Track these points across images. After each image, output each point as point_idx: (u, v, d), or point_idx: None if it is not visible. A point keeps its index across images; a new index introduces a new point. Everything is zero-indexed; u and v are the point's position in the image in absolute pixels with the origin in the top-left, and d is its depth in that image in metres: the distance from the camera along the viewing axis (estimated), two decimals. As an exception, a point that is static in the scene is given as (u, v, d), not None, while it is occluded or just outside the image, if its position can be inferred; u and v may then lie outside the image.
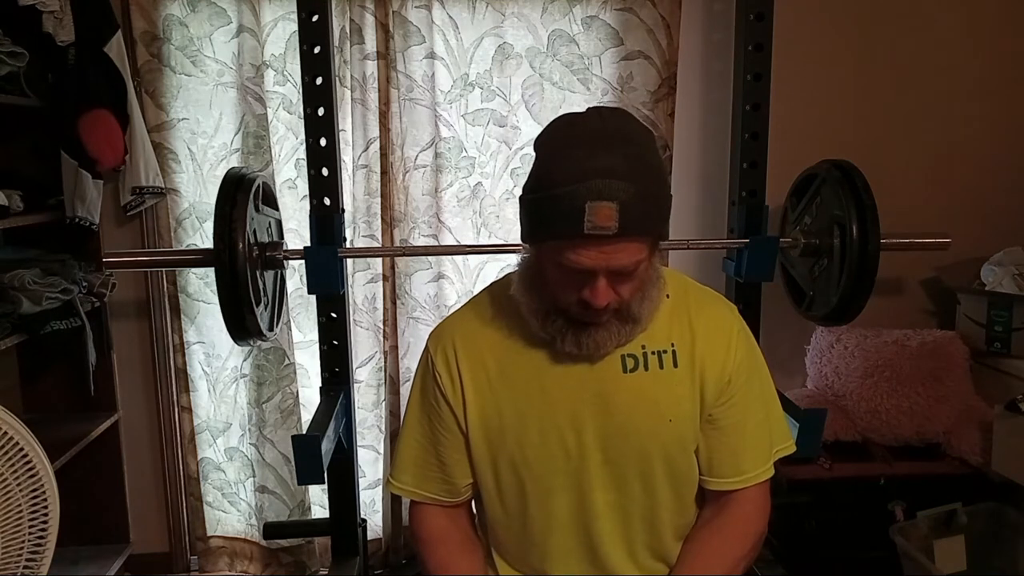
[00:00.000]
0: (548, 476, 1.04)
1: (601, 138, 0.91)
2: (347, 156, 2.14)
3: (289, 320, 2.22)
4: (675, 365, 1.04)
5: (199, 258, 1.78)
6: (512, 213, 2.21)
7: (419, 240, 2.23)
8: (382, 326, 2.27)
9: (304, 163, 1.80)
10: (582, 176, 0.88)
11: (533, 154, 0.99)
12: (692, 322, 1.07)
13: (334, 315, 1.83)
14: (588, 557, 1.08)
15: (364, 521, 2.01)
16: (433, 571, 1.11)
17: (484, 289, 1.16)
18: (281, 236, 1.94)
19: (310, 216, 1.78)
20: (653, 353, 1.04)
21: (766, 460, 1.10)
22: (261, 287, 1.75)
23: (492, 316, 1.09)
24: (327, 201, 1.78)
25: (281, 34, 2.13)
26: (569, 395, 1.03)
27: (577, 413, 1.03)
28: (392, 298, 2.26)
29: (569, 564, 1.08)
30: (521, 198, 0.99)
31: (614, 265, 0.91)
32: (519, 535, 1.09)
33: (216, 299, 1.64)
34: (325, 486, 1.94)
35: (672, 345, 1.05)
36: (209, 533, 2.37)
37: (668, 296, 1.07)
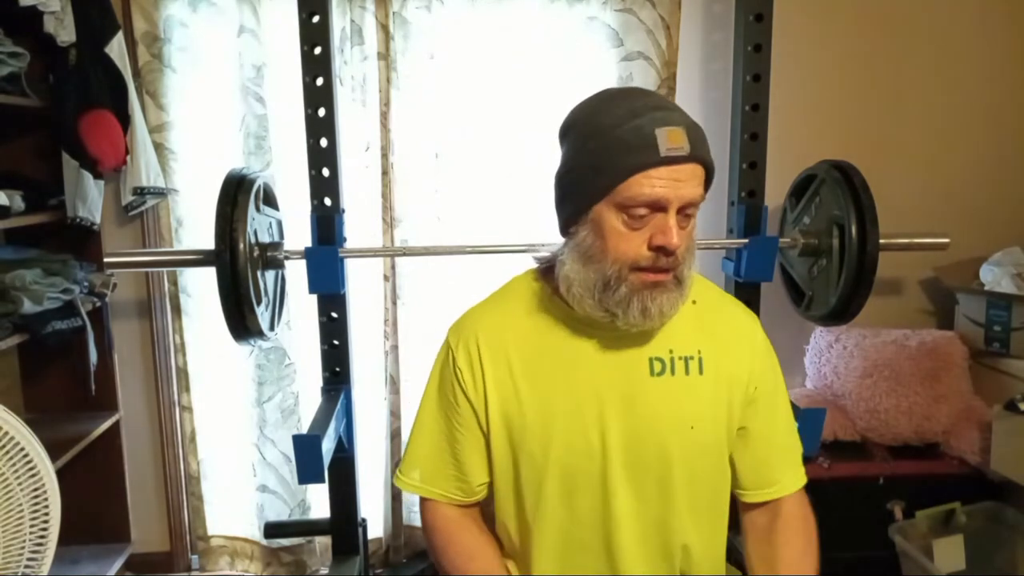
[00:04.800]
0: (571, 475, 1.03)
1: (635, 89, 1.00)
2: (347, 156, 2.15)
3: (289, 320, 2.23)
4: (700, 372, 1.03)
5: (200, 258, 1.78)
6: (511, 213, 2.21)
7: (419, 240, 2.24)
8: (383, 326, 2.28)
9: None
10: (641, 112, 0.92)
11: (561, 143, 1.02)
12: (717, 330, 1.06)
13: (335, 315, 1.83)
14: (605, 558, 1.06)
15: (364, 520, 2.01)
16: (455, 557, 1.08)
17: (506, 284, 1.14)
18: (282, 236, 1.94)
19: (311, 216, 1.79)
20: (680, 358, 1.03)
21: (798, 467, 1.10)
22: (262, 287, 1.75)
23: (516, 311, 1.07)
24: (328, 201, 1.79)
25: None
26: (595, 394, 1.01)
27: (602, 413, 1.01)
28: (393, 298, 2.27)
29: (587, 563, 1.06)
30: (562, 176, 1.00)
31: (685, 195, 0.91)
32: (534, 535, 1.06)
33: (217, 299, 1.64)
34: (326, 485, 1.94)
35: (699, 352, 1.04)
36: (210, 532, 2.37)
37: (695, 302, 1.05)
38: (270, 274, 1.84)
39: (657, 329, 1.00)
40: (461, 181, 2.23)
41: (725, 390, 1.04)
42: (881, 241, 1.74)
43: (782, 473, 1.08)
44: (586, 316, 0.99)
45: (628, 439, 1.01)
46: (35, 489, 1.19)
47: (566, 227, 1.01)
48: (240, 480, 2.36)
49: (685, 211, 0.93)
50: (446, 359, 1.09)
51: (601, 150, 0.93)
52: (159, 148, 2.14)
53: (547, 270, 1.06)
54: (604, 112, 0.95)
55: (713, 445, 1.04)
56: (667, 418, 1.01)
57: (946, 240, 1.94)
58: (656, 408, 1.01)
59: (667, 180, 0.90)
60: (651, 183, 0.90)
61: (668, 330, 1.02)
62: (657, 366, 1.02)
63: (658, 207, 0.92)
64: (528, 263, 1.13)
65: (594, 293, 0.96)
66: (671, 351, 1.03)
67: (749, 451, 1.07)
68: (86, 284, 2.10)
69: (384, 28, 2.12)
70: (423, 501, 1.14)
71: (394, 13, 2.12)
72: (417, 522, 2.39)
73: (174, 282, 2.24)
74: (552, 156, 1.06)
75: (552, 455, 1.02)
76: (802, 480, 1.09)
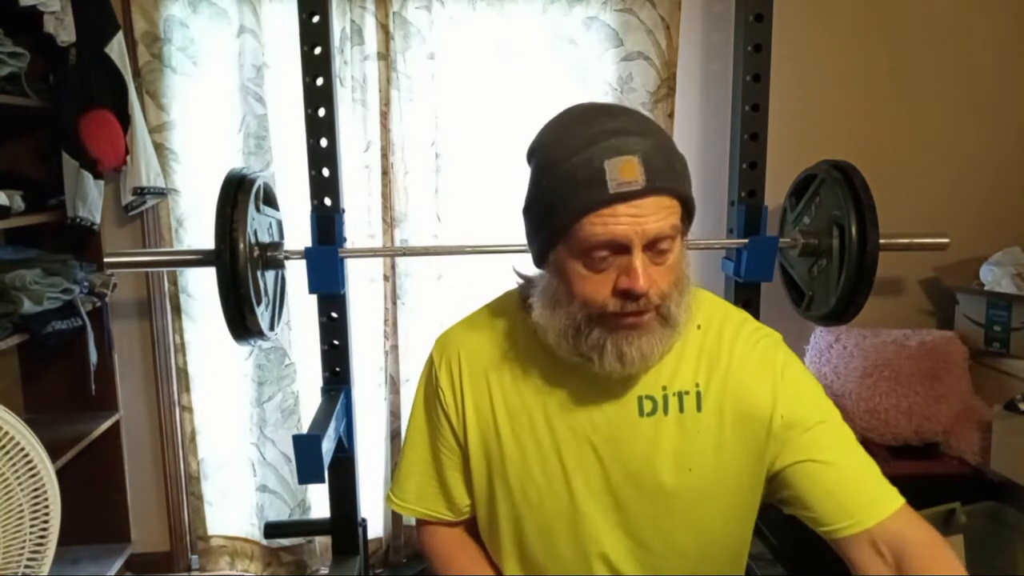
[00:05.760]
0: (552, 517, 0.95)
1: (601, 109, 0.86)
2: (348, 156, 2.15)
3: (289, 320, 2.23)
4: (699, 409, 0.92)
5: (200, 258, 1.78)
6: (511, 213, 2.20)
7: (419, 240, 2.24)
8: (383, 326, 2.28)
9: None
10: (593, 140, 0.81)
11: (528, 165, 0.92)
12: (726, 359, 0.94)
13: (335, 315, 1.83)
14: None
15: (364, 520, 2.02)
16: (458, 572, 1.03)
17: (497, 300, 1.06)
18: (282, 236, 1.95)
19: (311, 216, 1.79)
20: (675, 395, 0.93)
21: (886, 488, 0.90)
22: (262, 287, 1.75)
23: (500, 340, 1.00)
24: (328, 201, 1.79)
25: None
26: (578, 438, 0.93)
27: (585, 457, 0.93)
28: (393, 298, 2.27)
29: None
30: (525, 210, 0.91)
31: (649, 231, 0.80)
32: (512, 569, 1.01)
33: (217, 299, 1.64)
34: (326, 485, 1.94)
35: (697, 386, 0.93)
36: (210, 532, 2.37)
37: (699, 327, 0.95)
38: (270, 274, 1.84)
39: (644, 370, 0.91)
40: (461, 181, 2.23)
41: (732, 424, 0.92)
42: (881, 241, 1.74)
43: (865, 497, 0.89)
44: (564, 360, 0.91)
45: (617, 485, 0.93)
46: (35, 489, 1.20)
47: (538, 266, 0.93)
48: (240, 480, 2.36)
49: (657, 246, 0.82)
50: (429, 375, 1.03)
51: (553, 187, 0.83)
52: (159, 148, 2.14)
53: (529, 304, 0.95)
54: (560, 139, 0.85)
55: (718, 486, 0.93)
56: (660, 462, 0.92)
57: (946, 240, 1.94)
58: (646, 452, 0.92)
59: (624, 217, 0.79)
60: (604, 223, 0.80)
61: (662, 363, 0.92)
62: (648, 405, 0.92)
63: (618, 248, 0.81)
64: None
65: (567, 338, 0.87)
66: (664, 388, 0.93)
67: (814, 483, 0.90)
68: (86, 284, 2.10)
69: (384, 28, 2.12)
70: (419, 524, 1.09)
71: (394, 13, 2.12)
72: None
73: (174, 282, 2.24)
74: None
75: (531, 495, 0.95)
76: (897, 500, 0.89)
